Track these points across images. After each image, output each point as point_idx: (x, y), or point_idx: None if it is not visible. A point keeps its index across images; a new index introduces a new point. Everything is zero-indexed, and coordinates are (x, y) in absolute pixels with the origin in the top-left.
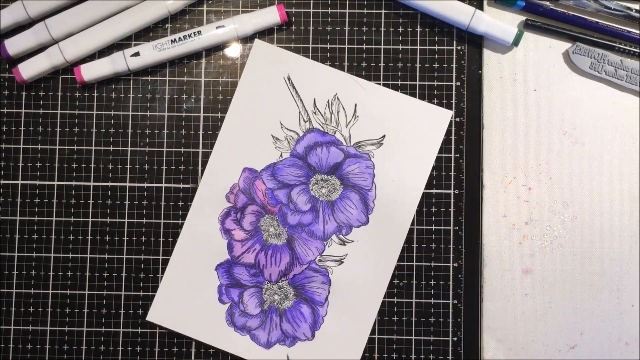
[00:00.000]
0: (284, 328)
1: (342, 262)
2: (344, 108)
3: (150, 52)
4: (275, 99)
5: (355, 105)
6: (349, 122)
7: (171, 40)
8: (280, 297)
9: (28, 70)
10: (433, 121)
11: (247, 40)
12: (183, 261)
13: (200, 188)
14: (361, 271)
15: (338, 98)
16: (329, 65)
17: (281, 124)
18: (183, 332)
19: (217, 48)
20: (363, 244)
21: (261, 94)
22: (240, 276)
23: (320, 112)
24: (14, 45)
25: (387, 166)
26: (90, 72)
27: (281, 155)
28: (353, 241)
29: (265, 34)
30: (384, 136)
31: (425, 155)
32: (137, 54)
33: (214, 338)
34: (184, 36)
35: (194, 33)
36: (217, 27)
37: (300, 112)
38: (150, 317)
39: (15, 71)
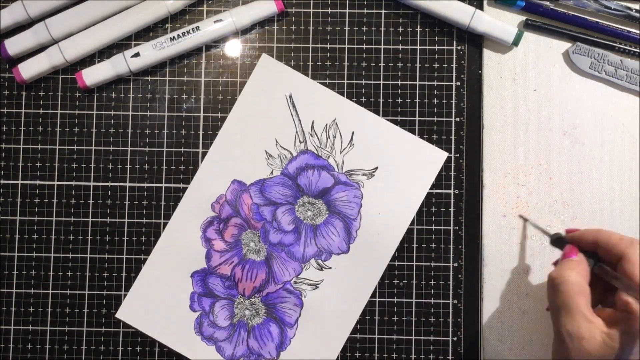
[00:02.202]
0: (250, 344)
1: (317, 287)
2: (340, 134)
3: (150, 52)
4: (273, 116)
5: (353, 133)
6: (344, 149)
7: (170, 38)
8: (251, 312)
9: (28, 70)
10: (427, 160)
11: (247, 40)
12: (160, 263)
13: (187, 193)
14: (334, 299)
15: (336, 123)
16: (329, 64)
17: (276, 141)
18: (150, 333)
19: (217, 45)
20: (340, 272)
21: (261, 108)
22: (214, 286)
23: (316, 135)
24: (14, 45)
25: (375, 198)
26: (91, 76)
27: (272, 173)
28: (331, 268)
29: (264, 30)
30: (376, 168)
31: (414, 193)
32: (137, 55)
33: (179, 344)
34: (182, 33)
35: (193, 29)
36: (215, 22)
37: (297, 132)
38: (120, 314)
39: (15, 71)
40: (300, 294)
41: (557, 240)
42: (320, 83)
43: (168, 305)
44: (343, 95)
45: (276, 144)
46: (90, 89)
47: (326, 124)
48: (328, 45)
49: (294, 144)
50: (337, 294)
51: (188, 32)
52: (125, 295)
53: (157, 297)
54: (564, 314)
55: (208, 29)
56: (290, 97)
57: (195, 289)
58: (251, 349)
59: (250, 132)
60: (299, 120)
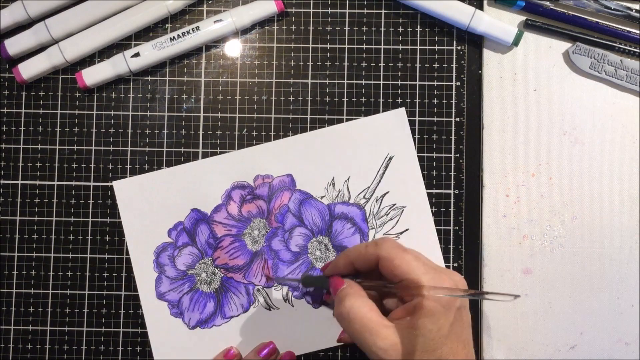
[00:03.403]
0: (183, 299)
1: (270, 310)
2: (397, 223)
3: (150, 52)
4: (366, 158)
5: (406, 230)
6: (388, 234)
7: (170, 38)
8: (206, 278)
9: (28, 70)
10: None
11: (247, 40)
12: (184, 174)
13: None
14: (274, 330)
15: (402, 211)
16: (329, 64)
17: (348, 178)
18: (122, 219)
19: (217, 45)
20: (284, 315)
21: (361, 143)
22: (200, 235)
23: (380, 205)
24: (14, 45)
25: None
26: (91, 76)
27: (322, 197)
28: (279, 309)
29: (264, 30)
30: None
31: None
32: (137, 55)
33: (134, 248)
34: (182, 33)
35: (193, 29)
36: (215, 22)
37: (369, 187)
38: (116, 184)
39: (15, 71)
40: (253, 301)
41: (307, 280)
42: (320, 83)
43: (156, 213)
44: (343, 96)
45: (346, 180)
46: (90, 89)
47: (395, 204)
48: (328, 45)
49: (357, 193)
50: (282, 328)
51: (188, 32)
52: (125, 295)
53: (155, 200)
54: (367, 335)
55: (208, 29)
56: (390, 159)
57: (186, 222)
58: (180, 303)
59: (338, 152)
60: (379, 182)
